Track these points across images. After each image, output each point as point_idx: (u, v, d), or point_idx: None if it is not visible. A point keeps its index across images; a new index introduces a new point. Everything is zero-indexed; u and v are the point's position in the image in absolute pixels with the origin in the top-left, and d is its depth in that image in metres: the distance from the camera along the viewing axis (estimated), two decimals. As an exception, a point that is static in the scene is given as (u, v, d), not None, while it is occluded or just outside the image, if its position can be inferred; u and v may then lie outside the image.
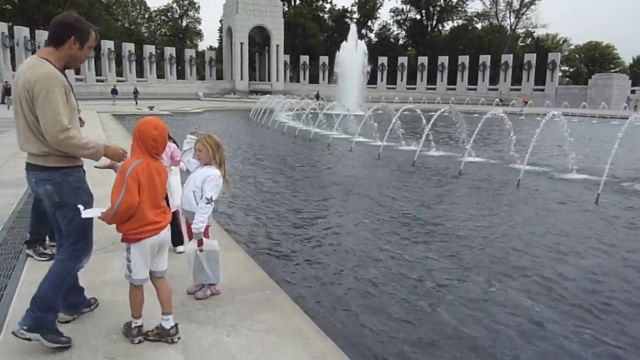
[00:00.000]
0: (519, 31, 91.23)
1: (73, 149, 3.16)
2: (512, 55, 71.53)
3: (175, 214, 5.23)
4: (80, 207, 3.17)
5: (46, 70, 3.10)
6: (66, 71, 3.41)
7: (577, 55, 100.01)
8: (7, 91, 35.99)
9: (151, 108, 37.35)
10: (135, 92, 47.15)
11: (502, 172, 12.89)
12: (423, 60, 73.99)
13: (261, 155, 15.74)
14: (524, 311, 4.70)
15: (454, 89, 71.24)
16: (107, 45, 61.91)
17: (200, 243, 4.00)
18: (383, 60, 74.75)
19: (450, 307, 4.74)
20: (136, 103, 43.95)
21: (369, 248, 6.44)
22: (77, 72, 59.75)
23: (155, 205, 3.29)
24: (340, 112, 23.37)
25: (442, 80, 73.10)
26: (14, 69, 50.88)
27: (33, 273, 4.28)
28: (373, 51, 70.81)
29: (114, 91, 46.73)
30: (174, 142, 5.34)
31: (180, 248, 5.25)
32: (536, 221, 8.07)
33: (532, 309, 4.75)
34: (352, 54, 46.83)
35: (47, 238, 4.86)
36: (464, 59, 71.34)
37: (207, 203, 3.99)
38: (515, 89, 69.41)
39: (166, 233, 3.40)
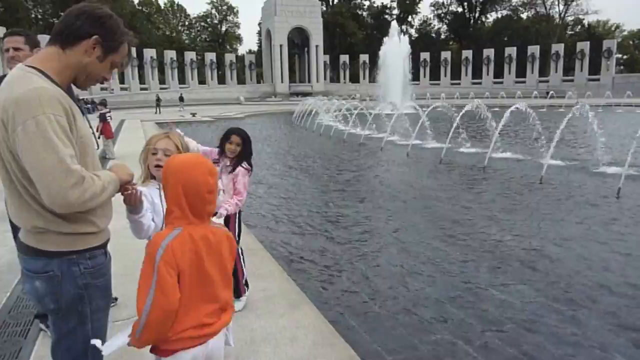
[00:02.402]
0: (568, 19, 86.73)
1: (93, 203, 1.88)
2: (562, 44, 67.75)
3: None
4: (96, 342, 1.97)
5: (32, 87, 1.80)
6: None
7: (631, 42, 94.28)
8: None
9: (194, 115, 36.97)
10: (159, 99, 43.57)
11: (592, 179, 11.10)
12: (467, 54, 71.18)
13: (309, 164, 14.52)
14: None
15: (501, 83, 68.08)
16: (150, 53, 62.49)
17: None
18: (425, 55, 72.37)
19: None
20: (159, 112, 41.12)
21: (465, 292, 5.09)
22: (122, 80, 60.65)
23: (210, 298, 2.04)
24: (390, 111, 21.95)
25: (488, 74, 70.04)
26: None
27: (41, 363, 3.18)
28: (414, 47, 68.57)
29: (181, 99, 46.56)
30: (249, 165, 4.10)
31: (237, 305, 3.95)
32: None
33: None
34: (396, 50, 45.22)
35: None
36: (511, 51, 68.11)
37: None
38: (567, 79, 65.76)
39: (217, 342, 2.08)
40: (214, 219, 3.75)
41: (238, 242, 4.10)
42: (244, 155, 3.99)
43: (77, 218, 1.93)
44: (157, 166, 2.50)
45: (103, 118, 13.67)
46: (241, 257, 4.19)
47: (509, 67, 68.60)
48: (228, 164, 3.99)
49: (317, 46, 70.67)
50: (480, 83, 69.32)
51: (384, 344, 4.01)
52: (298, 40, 74.29)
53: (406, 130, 18.35)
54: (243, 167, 3.99)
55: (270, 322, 3.87)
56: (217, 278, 2.04)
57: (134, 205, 2.20)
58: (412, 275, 5.54)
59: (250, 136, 4.09)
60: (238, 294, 4.06)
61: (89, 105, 44.68)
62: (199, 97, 61.87)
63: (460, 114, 15.21)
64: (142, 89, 61.14)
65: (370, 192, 10.26)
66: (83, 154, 1.94)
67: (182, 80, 66.94)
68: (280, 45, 68.48)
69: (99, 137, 13.79)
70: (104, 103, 14.59)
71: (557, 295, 4.92)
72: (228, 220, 4.02)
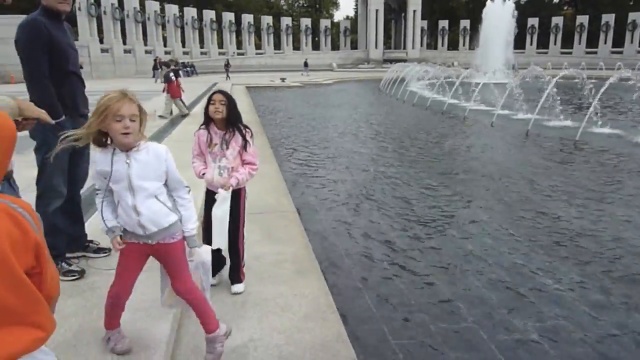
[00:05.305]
0: None
1: None
2: (702, 8, 59.13)
3: (237, 240, 3.58)
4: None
5: None
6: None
7: None
8: (156, 65, 38.37)
9: (283, 80, 37.35)
10: (227, 65, 44.26)
11: None
12: (582, 19, 64.51)
13: (382, 130, 13.95)
14: None
15: (621, 52, 61.10)
16: (247, 19, 63.76)
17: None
18: (533, 21, 66.75)
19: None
20: (227, 77, 40.48)
21: (518, 285, 4.47)
22: (221, 45, 62.76)
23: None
24: (479, 80, 20.49)
25: (605, 43, 63.12)
26: (165, 45, 55.17)
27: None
28: (522, 12, 63.49)
29: (305, 64, 49.71)
30: (247, 128, 3.48)
31: (238, 287, 3.58)
32: None
33: None
34: (498, 14, 42.05)
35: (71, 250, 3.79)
36: (636, 16, 60.62)
37: (189, 190, 2.60)
38: None
39: None
40: (221, 191, 3.36)
41: (243, 224, 3.65)
42: (233, 114, 3.37)
43: None
44: (125, 134, 2.31)
45: (167, 79, 14.05)
46: (240, 244, 3.65)
47: (632, 35, 61.28)
48: (226, 136, 3.37)
49: (414, 11, 67.79)
50: (595, 52, 62.73)
51: (393, 326, 3.59)
52: (395, 5, 71.76)
53: (495, 100, 17.01)
54: (245, 131, 3.43)
55: (269, 288, 3.62)
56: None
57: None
58: (463, 261, 4.86)
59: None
60: (238, 280, 3.61)
61: (188, 69, 46.85)
62: (292, 62, 62.39)
63: (553, 82, 13.65)
64: (239, 54, 62.75)
65: (441, 162, 9.56)
66: None
67: (277, 46, 67.76)
68: (376, 10, 66.65)
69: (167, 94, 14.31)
70: (167, 64, 15.09)
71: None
72: (239, 195, 3.52)
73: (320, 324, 3.13)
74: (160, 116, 13.62)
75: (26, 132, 3.14)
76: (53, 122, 2.62)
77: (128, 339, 2.66)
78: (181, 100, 14.23)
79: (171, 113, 14.17)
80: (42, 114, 2.25)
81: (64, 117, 3.38)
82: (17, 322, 1.30)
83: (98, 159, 2.44)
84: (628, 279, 4.40)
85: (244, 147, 3.40)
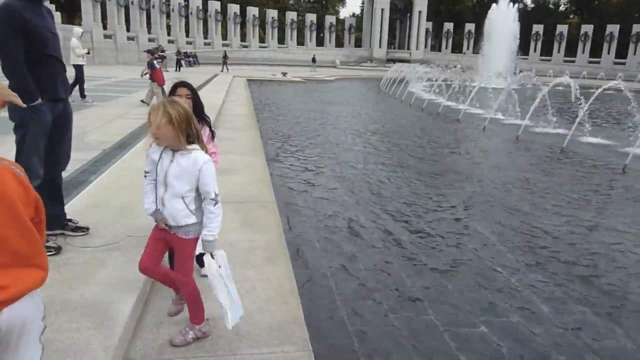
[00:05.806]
0: None
1: None
2: None
3: None
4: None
5: None
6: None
7: None
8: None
9: (284, 74, 37.44)
10: (225, 57, 43.20)
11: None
12: (587, 29, 64.49)
13: (374, 129, 14.11)
14: None
15: (623, 64, 61.19)
16: (252, 11, 63.74)
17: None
18: (538, 28, 66.76)
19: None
20: (226, 70, 39.51)
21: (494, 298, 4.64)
22: (225, 37, 62.80)
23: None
24: (478, 83, 20.68)
25: (608, 53, 63.18)
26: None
27: None
28: (528, 18, 63.50)
29: (313, 60, 50.87)
30: (207, 121, 3.65)
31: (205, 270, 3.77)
32: None
33: None
34: (501, 19, 42.17)
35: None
36: (640, 28, 60.73)
37: (217, 203, 2.68)
38: None
39: (18, 311, 1.61)
40: None
41: None
42: (200, 107, 3.51)
43: None
44: (156, 139, 2.62)
45: (151, 66, 13.93)
46: None
47: (635, 47, 61.35)
48: None
49: (420, 12, 67.78)
50: (598, 62, 62.84)
51: (352, 314, 3.77)
52: (401, 5, 71.74)
53: (490, 104, 17.22)
54: (208, 124, 3.61)
55: (237, 272, 3.75)
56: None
57: None
58: (429, 255, 5.07)
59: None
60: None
61: (190, 59, 46.90)
62: (296, 57, 62.46)
63: (547, 89, 13.83)
64: (242, 46, 62.78)
65: (425, 162, 9.73)
66: None
67: (281, 40, 67.76)
68: (382, 9, 66.65)
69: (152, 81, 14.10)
70: (151, 52, 14.99)
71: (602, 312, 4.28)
72: None
73: (280, 307, 3.30)
74: (142, 101, 13.58)
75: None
76: (24, 105, 2.76)
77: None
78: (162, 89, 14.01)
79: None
80: (14, 97, 2.41)
81: (40, 100, 3.49)
82: (27, 264, 1.63)
83: (153, 148, 2.72)
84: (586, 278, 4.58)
85: (212, 137, 3.56)
